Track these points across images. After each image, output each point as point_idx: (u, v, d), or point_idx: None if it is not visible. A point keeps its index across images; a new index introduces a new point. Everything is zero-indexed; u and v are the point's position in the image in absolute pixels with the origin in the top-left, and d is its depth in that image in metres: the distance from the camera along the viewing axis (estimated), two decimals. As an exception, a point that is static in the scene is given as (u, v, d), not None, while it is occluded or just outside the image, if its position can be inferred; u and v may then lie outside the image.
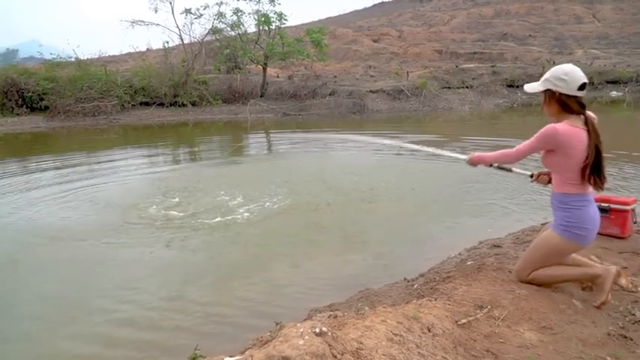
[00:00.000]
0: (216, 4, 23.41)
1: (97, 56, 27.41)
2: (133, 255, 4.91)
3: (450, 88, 24.18)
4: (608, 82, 24.71)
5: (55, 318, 3.67)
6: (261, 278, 4.25)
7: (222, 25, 23.65)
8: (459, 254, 4.21)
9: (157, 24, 24.12)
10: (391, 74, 26.52)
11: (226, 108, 21.99)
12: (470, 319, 2.47)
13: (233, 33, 23.98)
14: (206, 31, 23.47)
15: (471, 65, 28.34)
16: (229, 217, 6.03)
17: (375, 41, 39.53)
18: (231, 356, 1.68)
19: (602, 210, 4.00)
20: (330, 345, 1.59)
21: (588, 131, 2.72)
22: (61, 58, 22.43)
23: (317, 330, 1.61)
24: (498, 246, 4.09)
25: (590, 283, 3.01)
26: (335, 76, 25.84)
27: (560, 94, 2.72)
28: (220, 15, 23.22)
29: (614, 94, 23.72)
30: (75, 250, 5.13)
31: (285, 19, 23.78)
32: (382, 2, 67.61)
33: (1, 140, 16.37)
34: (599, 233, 4.03)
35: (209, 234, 5.46)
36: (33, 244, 5.35)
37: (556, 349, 2.32)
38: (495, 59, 30.87)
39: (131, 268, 4.60)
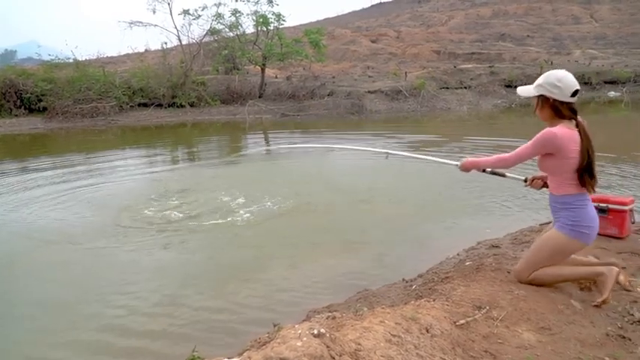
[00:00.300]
0: (215, 5, 23.45)
1: (95, 57, 27.40)
2: (129, 258, 4.89)
3: (448, 88, 24.19)
4: (606, 83, 24.74)
5: (50, 323, 3.64)
6: (260, 280, 4.24)
7: (221, 26, 23.66)
8: (458, 255, 4.21)
9: (155, 25, 24.00)
10: (389, 75, 26.51)
11: (225, 109, 21.98)
12: (468, 319, 2.47)
13: (231, 34, 23.97)
14: (204, 32, 23.48)
15: (469, 66, 28.36)
16: (228, 219, 6.02)
17: (373, 42, 39.55)
18: (229, 358, 1.67)
19: (601, 210, 4.00)
20: (328, 346, 1.58)
21: (580, 135, 2.76)
22: (59, 59, 22.39)
23: (315, 331, 1.60)
24: (497, 246, 4.09)
25: (589, 283, 3.02)
26: (333, 77, 25.84)
27: (554, 100, 2.76)
28: (218, 16, 23.23)
29: (612, 94, 23.75)
30: (71, 253, 5.10)
31: (284, 20, 23.80)
32: (380, 3, 67.67)
33: (-1, 141, 16.35)
34: (598, 233, 4.06)
35: (208, 235, 5.45)
36: (28, 246, 5.32)
37: (554, 349, 2.32)
38: (493, 59, 30.90)
39: (128, 271, 4.57)
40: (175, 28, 24.96)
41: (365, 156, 10.71)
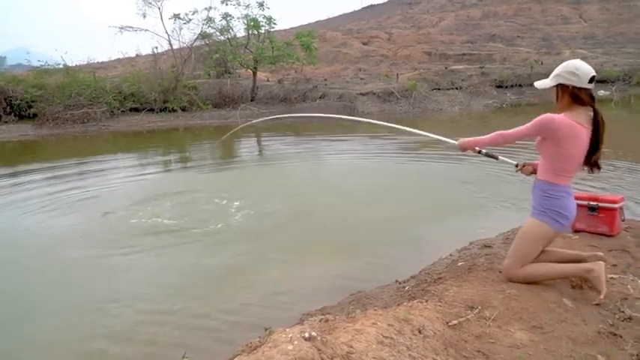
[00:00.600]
0: (205, 9, 23.41)
1: (85, 62, 27.29)
2: (117, 264, 4.83)
3: (439, 89, 24.28)
4: (595, 82, 24.87)
5: (36, 333, 3.58)
6: (253, 284, 4.23)
7: (212, 30, 23.63)
8: (450, 255, 4.22)
9: (146, 30, 23.98)
10: (381, 76, 26.58)
11: (216, 113, 21.93)
12: (461, 319, 2.47)
13: (222, 38, 23.95)
14: (195, 36, 23.44)
15: (460, 66, 28.49)
16: (223, 222, 6.01)
17: (364, 44, 39.66)
18: (220, 362, 1.67)
19: (591, 209, 4.04)
20: (319, 349, 1.58)
21: (596, 122, 2.82)
22: (49, 65, 22.24)
23: (306, 335, 1.60)
24: (489, 246, 4.10)
25: (580, 281, 3.03)
26: (325, 79, 25.87)
27: (573, 87, 2.83)
28: (209, 20, 23.19)
29: (601, 93, 23.91)
30: (59, 261, 5.04)
31: (275, 23, 23.81)
32: (371, 5, 67.88)
33: (-12, 149, 16.23)
34: (588, 232, 4.10)
35: (200, 240, 5.43)
36: (17, 255, 5.26)
37: (547, 348, 2.33)
38: (484, 60, 31.06)
39: (116, 278, 4.51)
40: (166, 32, 24.87)
41: (361, 157, 10.75)
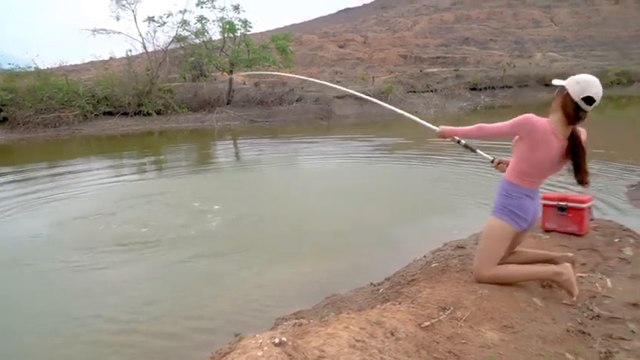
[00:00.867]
0: (180, 11, 23.18)
1: (57, 66, 26.76)
2: (88, 275, 4.69)
3: (415, 92, 24.51)
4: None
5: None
6: (228, 289, 4.20)
7: (187, 33, 23.42)
8: (425, 257, 4.24)
9: (119, 32, 23.61)
10: (357, 79, 26.71)
11: (192, 116, 21.74)
12: (433, 321, 2.49)
13: (198, 41, 23.75)
14: (170, 39, 23.19)
15: (435, 69, 28.81)
16: (197, 227, 5.96)
17: (340, 47, 39.79)
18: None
19: (560, 209, 4.12)
20: (290, 355, 1.57)
21: (574, 143, 2.80)
22: (20, 68, 21.74)
23: (276, 340, 1.59)
24: (462, 247, 4.15)
25: (550, 282, 3.08)
26: (301, 82, 25.88)
27: (567, 94, 2.79)
28: (184, 23, 22.98)
29: (556, 82, 24.39)
30: (21, 274, 4.83)
31: (250, 27, 23.72)
32: (347, 8, 68.16)
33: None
34: (558, 231, 4.18)
35: (175, 244, 5.37)
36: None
37: (517, 347, 2.36)
38: (458, 63, 31.47)
39: (86, 291, 4.36)
40: (140, 35, 24.52)
41: (337, 159, 10.78)
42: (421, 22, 45.92)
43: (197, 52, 23.26)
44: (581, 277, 3.24)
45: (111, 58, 31.74)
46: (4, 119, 19.36)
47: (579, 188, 3.19)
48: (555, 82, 3.01)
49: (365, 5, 65.25)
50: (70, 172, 10.58)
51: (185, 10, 23.07)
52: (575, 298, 2.89)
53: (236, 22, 23.25)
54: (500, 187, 3.06)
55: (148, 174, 10.91)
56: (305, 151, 12.60)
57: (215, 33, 24.24)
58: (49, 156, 14.14)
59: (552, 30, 40.32)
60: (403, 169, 9.28)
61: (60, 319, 3.81)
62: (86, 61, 35.34)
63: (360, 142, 13.19)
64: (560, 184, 6.18)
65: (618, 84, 25.18)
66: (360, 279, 4.07)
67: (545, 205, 4.14)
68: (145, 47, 23.54)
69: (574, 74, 2.94)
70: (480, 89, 25.71)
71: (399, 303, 2.76)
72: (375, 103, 4.57)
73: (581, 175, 2.84)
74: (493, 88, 25.67)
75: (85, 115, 20.41)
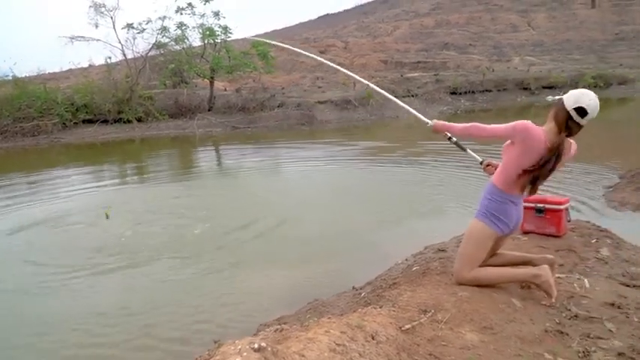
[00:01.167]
0: (159, 18, 23.01)
1: (35, 74, 26.35)
2: (62, 285, 4.62)
3: (396, 97, 24.62)
4: (544, 87, 25.79)
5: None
6: (211, 296, 4.19)
7: (166, 40, 23.24)
8: (406, 260, 4.28)
9: (98, 39, 23.28)
10: (339, 85, 26.78)
11: (173, 123, 21.56)
12: (414, 324, 2.51)
13: (178, 47, 23.59)
14: (150, 46, 23.00)
15: (416, 74, 29.03)
16: (180, 235, 5.93)
17: (321, 52, 39.81)
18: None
19: (538, 210, 4.19)
20: (269, 360, 1.58)
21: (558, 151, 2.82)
22: (-4, 76, 21.43)
23: (255, 346, 1.59)
24: (443, 250, 4.19)
25: (529, 283, 3.12)
26: (283, 88, 25.87)
27: (562, 103, 2.82)
28: (164, 29, 22.81)
29: (550, 98, 24.79)
30: None
31: (231, 33, 23.59)
32: (327, 14, 68.36)
33: None
34: (537, 233, 4.24)
35: (158, 252, 5.33)
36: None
37: (496, 348, 2.39)
38: (438, 68, 31.74)
39: (59, 302, 4.29)
40: (119, 42, 24.24)
41: (320, 164, 10.78)
42: (401, 27, 46.26)
43: (177, 59, 23.09)
44: (559, 277, 3.29)
45: (90, 66, 31.36)
46: (-19, 128, 19.00)
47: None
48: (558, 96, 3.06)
49: (345, 11, 65.52)
50: (48, 180, 10.42)
51: (165, 17, 22.92)
52: (554, 300, 2.93)
53: (216, 28, 23.17)
54: (485, 191, 3.09)
55: (130, 181, 10.79)
56: (287, 157, 12.59)
57: (195, 39, 24.10)
58: (28, 165, 13.90)
59: (530, 34, 40.91)
60: (386, 172, 9.33)
61: (32, 331, 3.76)
62: (65, 68, 34.80)
63: (343, 147, 13.23)
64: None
65: (595, 87, 25.54)
66: (342, 283, 4.09)
67: (523, 207, 4.19)
68: (124, 54, 23.30)
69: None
70: (460, 93, 25.95)
71: (380, 306, 2.77)
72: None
73: (531, 191, 2.95)
74: (473, 92, 25.93)
75: (65, 124, 20.12)
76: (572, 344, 2.50)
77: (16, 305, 4.30)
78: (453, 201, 6.73)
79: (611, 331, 2.64)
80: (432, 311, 2.68)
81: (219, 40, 23.36)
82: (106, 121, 20.95)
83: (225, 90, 25.40)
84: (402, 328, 2.42)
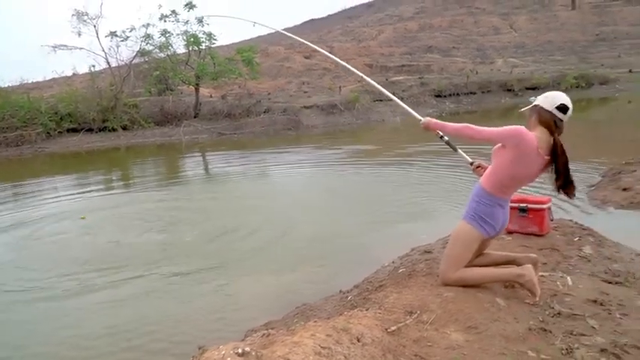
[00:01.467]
0: (143, 25, 22.91)
1: (18, 83, 26.08)
2: (49, 294, 4.58)
3: (381, 100, 24.71)
4: (527, 89, 26.03)
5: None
6: (199, 302, 4.18)
7: (151, 47, 23.13)
8: (393, 262, 4.30)
9: (81, 48, 23.09)
10: (324, 89, 26.86)
11: (159, 130, 21.44)
12: (399, 325, 2.53)
13: (162, 54, 23.49)
14: (134, 54, 22.88)
15: (400, 77, 29.21)
16: (168, 241, 5.90)
17: (306, 57, 39.94)
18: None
19: (521, 210, 4.24)
20: (254, 365, 1.58)
21: (555, 153, 2.85)
22: (-22, 87, 21.17)
23: (239, 350, 1.60)
24: (429, 252, 4.21)
25: (513, 283, 3.16)
26: (269, 94, 25.88)
27: (541, 107, 2.89)
28: (148, 37, 22.71)
29: (533, 99, 24.95)
30: None
31: (215, 39, 23.57)
32: (312, 19, 68.49)
33: None
34: (520, 232, 4.29)
35: (142, 262, 5.29)
36: None
37: (481, 347, 2.41)
38: (423, 71, 31.97)
39: (46, 311, 4.25)
40: (103, 50, 24.07)
41: (307, 168, 10.79)
42: (386, 31, 46.52)
43: (162, 66, 23.00)
44: (542, 276, 3.33)
45: (74, 74, 31.08)
46: (-37, 139, 18.74)
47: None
48: (531, 100, 3.10)
49: (330, 16, 65.71)
50: (34, 190, 10.30)
51: (148, 24, 22.82)
52: (537, 298, 2.97)
53: (200, 35, 23.12)
54: (474, 193, 3.11)
55: (116, 190, 10.70)
56: (274, 162, 12.59)
57: (179, 46, 24.02)
58: (12, 175, 13.75)
59: (512, 36, 41.39)
60: (373, 175, 9.37)
61: (19, 343, 3.72)
62: (48, 77, 34.42)
63: (330, 151, 13.27)
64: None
65: (577, 87, 25.92)
66: (329, 287, 4.10)
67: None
68: (108, 62, 23.14)
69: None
70: (445, 96, 26.16)
71: (367, 309, 2.79)
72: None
73: (569, 189, 2.93)
74: (457, 94, 26.16)
75: (49, 133, 19.91)
76: (555, 342, 2.53)
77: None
78: (438, 202, 6.79)
79: (593, 327, 2.68)
80: (418, 312, 2.70)
81: (203, 47, 23.32)
82: (90, 130, 20.78)
83: (211, 96, 25.33)
84: (388, 330, 2.44)
